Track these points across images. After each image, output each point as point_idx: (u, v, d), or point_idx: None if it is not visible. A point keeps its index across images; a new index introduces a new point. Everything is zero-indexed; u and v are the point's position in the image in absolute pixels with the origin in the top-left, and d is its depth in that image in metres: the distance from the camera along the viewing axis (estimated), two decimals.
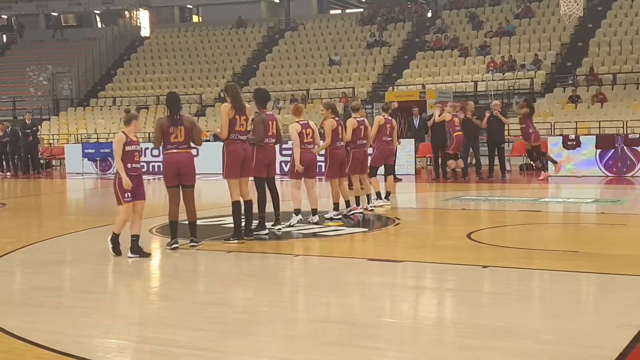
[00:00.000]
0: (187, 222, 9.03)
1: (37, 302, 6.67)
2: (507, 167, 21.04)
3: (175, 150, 8.85)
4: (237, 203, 9.33)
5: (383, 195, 13.00)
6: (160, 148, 9.04)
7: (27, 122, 25.03)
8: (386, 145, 12.78)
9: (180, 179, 8.91)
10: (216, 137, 21.31)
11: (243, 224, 9.46)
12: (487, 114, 18.86)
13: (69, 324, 5.85)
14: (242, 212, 9.38)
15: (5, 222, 13.17)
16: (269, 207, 10.15)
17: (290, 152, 10.95)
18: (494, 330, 5.41)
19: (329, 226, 10.69)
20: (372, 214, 12.11)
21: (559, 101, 28.26)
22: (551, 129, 25.04)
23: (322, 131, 11.74)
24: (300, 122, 10.71)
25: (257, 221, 9.91)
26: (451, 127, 17.64)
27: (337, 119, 11.42)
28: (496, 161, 19.17)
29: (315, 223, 10.74)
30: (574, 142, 18.99)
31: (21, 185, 21.69)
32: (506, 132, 21.47)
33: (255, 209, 9.72)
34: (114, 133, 27.37)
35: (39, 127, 28.18)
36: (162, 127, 8.86)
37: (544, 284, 7.25)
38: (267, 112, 10.09)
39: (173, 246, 8.86)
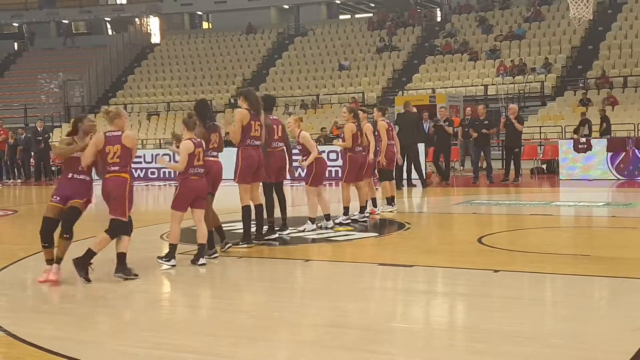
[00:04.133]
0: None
1: (48, 308, 6.70)
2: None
3: (211, 158, 8.71)
4: (248, 208, 9.34)
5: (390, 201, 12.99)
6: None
7: (39, 129, 25.16)
8: (390, 149, 12.78)
9: (212, 187, 8.77)
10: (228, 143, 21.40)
11: (253, 228, 9.47)
12: (503, 119, 18.81)
13: (80, 330, 5.87)
14: (252, 216, 9.40)
15: (17, 229, 13.23)
16: (277, 212, 10.15)
17: (296, 157, 10.91)
18: (505, 334, 5.40)
19: (339, 231, 10.69)
20: (380, 218, 12.10)
21: (570, 104, 28.16)
22: (562, 132, 24.96)
23: (342, 134, 11.77)
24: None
25: (267, 226, 9.93)
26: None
27: (357, 123, 11.42)
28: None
29: (330, 228, 10.73)
30: (585, 146, 18.94)
31: (32, 192, 21.79)
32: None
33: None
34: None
35: (51, 134, 28.30)
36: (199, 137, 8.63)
37: (556, 288, 7.23)
38: (272, 117, 10.10)
39: (227, 247, 8.98)
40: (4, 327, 5.92)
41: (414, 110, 19.02)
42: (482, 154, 18.87)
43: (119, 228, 7.59)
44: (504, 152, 19.07)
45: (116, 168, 7.56)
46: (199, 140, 8.44)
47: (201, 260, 8.32)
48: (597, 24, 32.92)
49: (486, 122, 18.45)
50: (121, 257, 7.65)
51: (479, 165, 19.20)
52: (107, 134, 7.62)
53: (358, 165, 11.48)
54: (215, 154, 8.84)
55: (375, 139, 12.22)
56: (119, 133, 7.64)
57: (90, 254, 7.60)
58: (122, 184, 7.55)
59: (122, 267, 7.66)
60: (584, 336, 5.36)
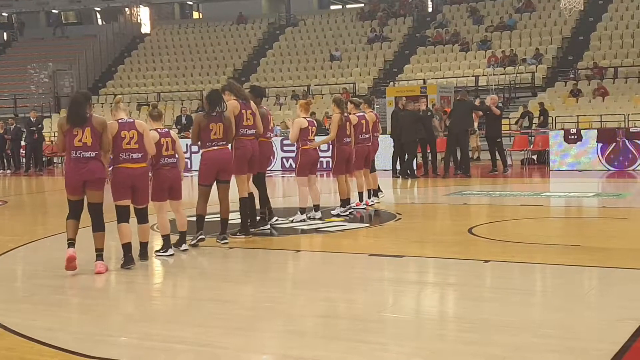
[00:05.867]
0: (202, 219, 8.95)
1: (39, 299, 6.68)
2: (509, 162, 21.04)
3: (216, 147, 8.72)
4: (245, 199, 9.38)
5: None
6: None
7: (32, 119, 25.04)
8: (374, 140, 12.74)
9: (219, 175, 8.81)
10: None
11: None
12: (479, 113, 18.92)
13: (71, 320, 5.87)
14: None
15: (7, 219, 13.19)
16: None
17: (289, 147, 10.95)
18: (495, 324, 5.42)
19: (330, 222, 10.70)
20: (373, 210, 12.11)
21: (560, 95, 28.23)
22: (553, 123, 25.01)
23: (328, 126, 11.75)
24: (307, 119, 10.73)
25: (259, 217, 9.94)
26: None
27: (345, 114, 11.39)
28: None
29: (319, 219, 10.75)
30: (576, 136, 19.00)
31: (22, 183, 21.71)
32: (507, 127, 21.51)
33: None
34: None
35: (42, 124, 28.18)
36: (201, 124, 8.71)
37: (546, 278, 7.26)
38: (263, 107, 10.17)
39: (199, 238, 8.83)
40: None
41: (469, 98, 19.01)
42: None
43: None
44: (487, 142, 18.97)
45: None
46: (165, 130, 8.49)
47: (183, 246, 8.55)
48: (588, 15, 32.97)
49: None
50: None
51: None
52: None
53: (346, 157, 11.44)
54: (222, 143, 8.81)
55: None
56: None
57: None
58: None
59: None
60: (573, 326, 5.39)
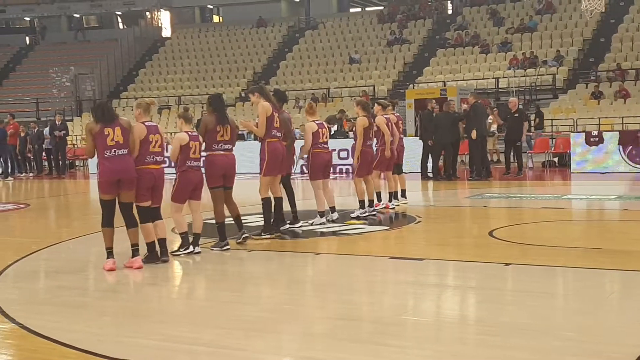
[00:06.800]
0: (216, 221, 9.01)
1: (61, 301, 6.74)
2: (530, 164, 20.96)
3: (222, 152, 8.76)
4: (268, 199, 9.47)
5: (399, 194, 12.99)
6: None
7: (57, 123, 25.25)
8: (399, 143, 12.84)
9: (223, 179, 8.83)
10: (248, 136, 21.44)
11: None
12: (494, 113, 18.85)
13: (93, 322, 5.90)
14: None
15: (30, 222, 13.30)
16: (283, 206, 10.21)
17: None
18: (516, 327, 5.39)
19: (350, 224, 10.70)
20: (393, 212, 12.10)
21: (582, 97, 28.05)
22: (574, 125, 24.87)
23: (354, 129, 11.74)
24: (316, 122, 10.74)
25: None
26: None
27: (369, 117, 11.40)
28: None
29: (334, 221, 10.76)
30: (597, 139, 18.87)
31: (44, 186, 21.89)
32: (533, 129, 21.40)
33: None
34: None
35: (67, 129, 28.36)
36: (209, 125, 8.74)
37: (567, 281, 7.22)
38: (285, 112, 10.27)
39: (224, 248, 8.76)
40: (17, 319, 5.96)
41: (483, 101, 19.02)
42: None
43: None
44: (506, 145, 18.89)
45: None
46: (195, 133, 8.59)
47: (197, 249, 8.59)
48: (609, 16, 32.74)
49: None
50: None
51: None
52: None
53: (369, 160, 11.45)
54: (228, 147, 8.83)
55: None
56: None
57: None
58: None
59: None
60: (594, 329, 5.35)
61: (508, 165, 18.56)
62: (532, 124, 21.50)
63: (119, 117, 7.89)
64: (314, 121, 10.71)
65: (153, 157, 7.98)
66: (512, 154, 18.68)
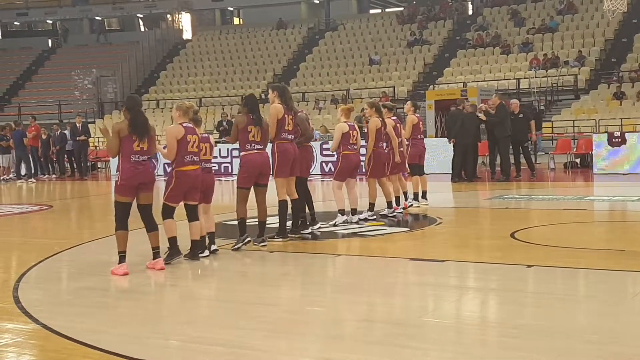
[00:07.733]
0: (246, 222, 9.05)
1: (84, 302, 6.79)
2: (552, 165, 20.83)
3: (255, 151, 8.87)
4: (285, 202, 9.44)
5: (420, 196, 12.96)
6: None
7: (78, 125, 25.42)
8: (420, 144, 12.92)
9: (258, 178, 8.94)
10: None
11: (288, 223, 9.60)
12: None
13: (115, 323, 5.94)
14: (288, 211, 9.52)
15: (52, 223, 13.41)
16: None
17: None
18: (538, 330, 5.36)
19: (370, 226, 10.69)
20: (413, 213, 12.08)
21: (604, 98, 27.84)
22: (596, 126, 24.70)
23: (366, 130, 11.70)
24: (348, 123, 10.75)
25: (300, 221, 9.99)
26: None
27: (381, 119, 11.38)
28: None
29: (356, 223, 10.75)
30: (619, 139, 18.73)
31: (67, 187, 22.05)
32: (546, 130, 21.20)
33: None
34: (157, 135, 27.61)
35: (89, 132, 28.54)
36: (239, 125, 8.87)
37: (589, 283, 7.17)
38: (303, 111, 10.35)
39: (245, 241, 8.92)
40: (40, 320, 6.02)
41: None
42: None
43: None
44: (513, 147, 18.46)
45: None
46: (205, 135, 8.67)
47: (206, 252, 8.60)
48: (631, 16, 32.49)
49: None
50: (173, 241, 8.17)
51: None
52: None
53: (383, 161, 11.43)
54: (260, 147, 8.95)
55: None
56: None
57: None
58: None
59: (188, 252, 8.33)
60: (617, 332, 5.31)
61: (518, 167, 18.39)
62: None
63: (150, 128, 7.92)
64: (346, 122, 10.73)
65: (191, 157, 8.11)
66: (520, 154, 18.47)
